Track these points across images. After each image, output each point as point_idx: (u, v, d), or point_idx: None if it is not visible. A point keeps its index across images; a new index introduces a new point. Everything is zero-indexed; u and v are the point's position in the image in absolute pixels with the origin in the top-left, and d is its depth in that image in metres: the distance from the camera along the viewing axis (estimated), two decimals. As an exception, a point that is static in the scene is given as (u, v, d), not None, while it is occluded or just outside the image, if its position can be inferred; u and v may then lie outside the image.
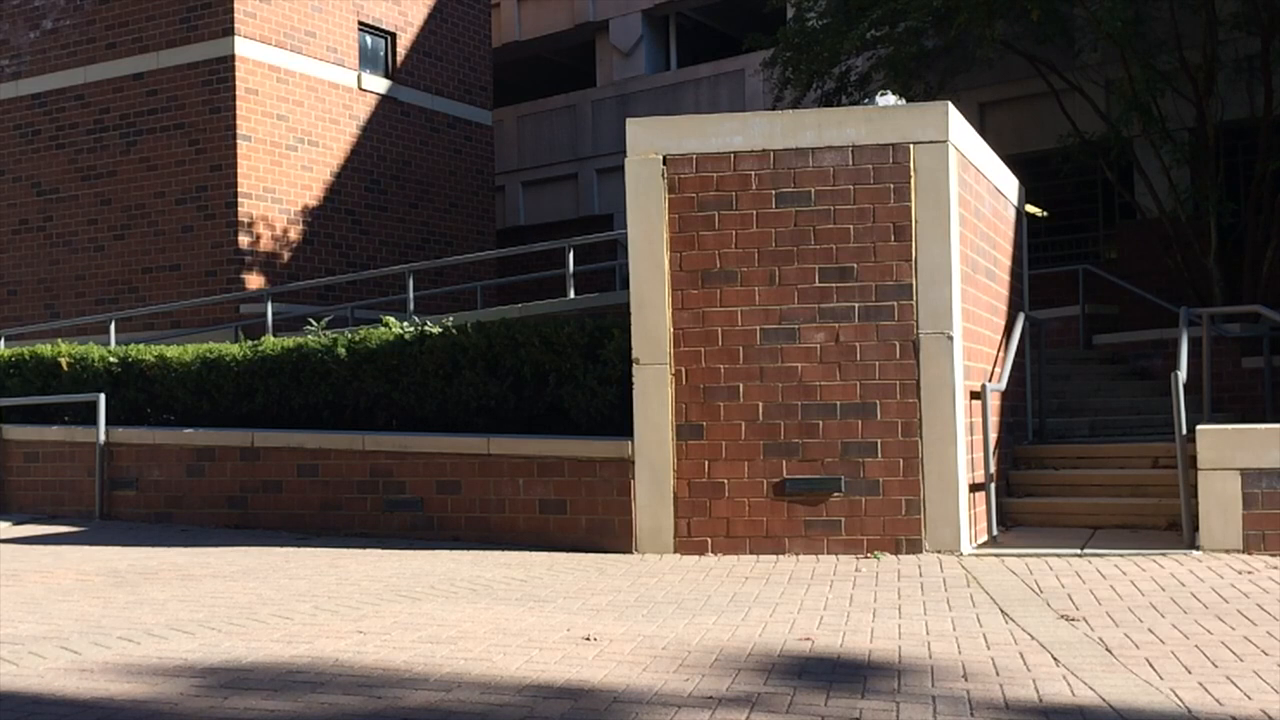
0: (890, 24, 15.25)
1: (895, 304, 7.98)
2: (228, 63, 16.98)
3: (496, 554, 8.34)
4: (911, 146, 8.03)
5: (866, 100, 15.58)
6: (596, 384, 8.79)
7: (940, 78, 16.18)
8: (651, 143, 8.31)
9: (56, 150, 18.33)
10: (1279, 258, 14.20)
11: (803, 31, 15.98)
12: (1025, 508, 9.20)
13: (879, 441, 7.94)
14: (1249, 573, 6.90)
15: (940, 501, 7.88)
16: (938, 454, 7.90)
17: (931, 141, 8.02)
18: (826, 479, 7.98)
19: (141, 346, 11.49)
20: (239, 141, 16.94)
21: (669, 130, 8.37)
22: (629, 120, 8.49)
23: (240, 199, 16.92)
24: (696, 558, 7.98)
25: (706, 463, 8.13)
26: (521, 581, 7.16)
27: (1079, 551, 7.78)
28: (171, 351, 11.08)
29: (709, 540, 8.12)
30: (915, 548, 7.86)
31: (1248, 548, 7.58)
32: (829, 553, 7.93)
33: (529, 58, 25.92)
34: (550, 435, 8.93)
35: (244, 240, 16.97)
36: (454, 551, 8.50)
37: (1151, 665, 4.77)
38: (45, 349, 11.90)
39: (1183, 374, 8.30)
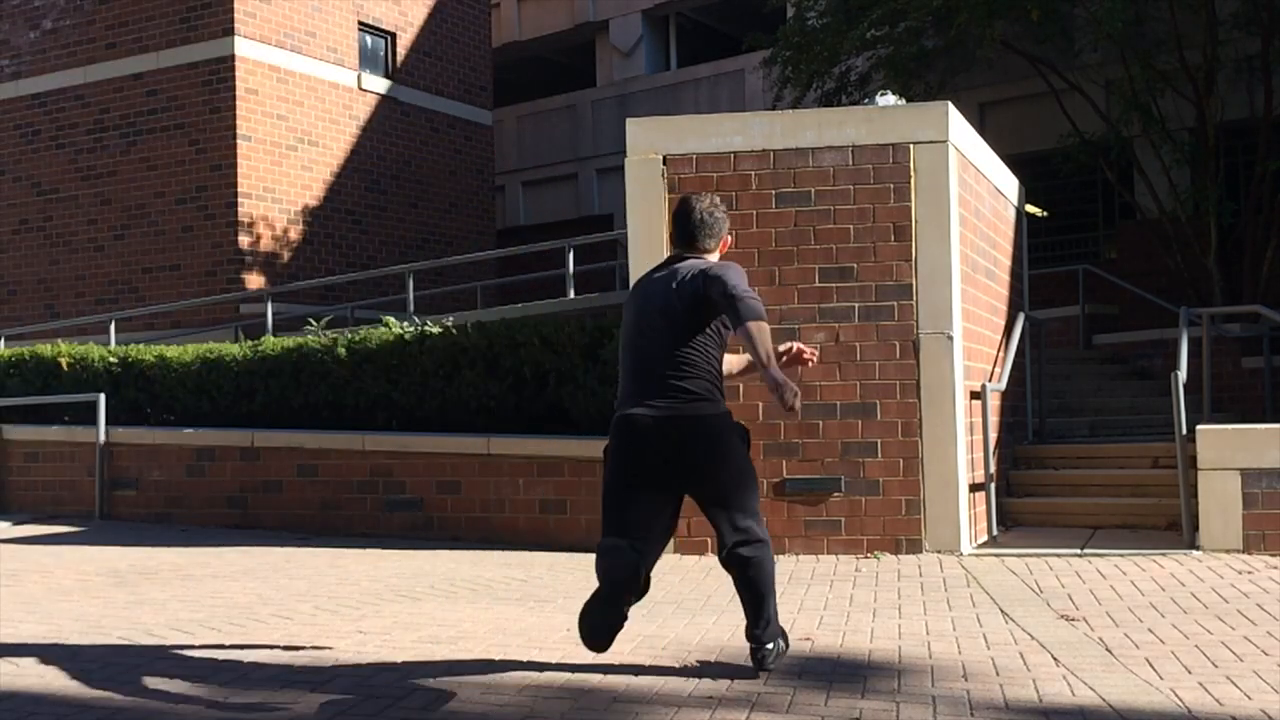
0: (890, 24, 15.25)
1: (895, 304, 7.98)
2: (228, 63, 16.98)
3: (497, 554, 8.34)
4: (911, 146, 8.02)
5: (866, 100, 15.56)
6: (597, 384, 8.79)
7: (940, 78, 16.17)
8: (651, 143, 8.31)
9: (56, 150, 18.33)
10: (1279, 258, 14.20)
11: (803, 31, 15.98)
12: (1025, 508, 9.20)
13: (879, 441, 7.94)
14: (1249, 573, 6.90)
15: (940, 501, 7.88)
16: (938, 454, 7.89)
17: (931, 141, 8.02)
18: (826, 479, 7.98)
19: (141, 346, 11.50)
20: (239, 141, 16.94)
21: (669, 130, 8.36)
22: (629, 120, 8.49)
23: (240, 199, 16.92)
24: (697, 558, 7.98)
25: (706, 463, 8.12)
26: (522, 581, 7.16)
27: (1079, 551, 7.78)
28: (171, 351, 11.08)
29: (709, 540, 8.11)
30: (915, 548, 7.86)
31: (1248, 548, 7.58)
32: (829, 553, 7.93)
33: (529, 58, 25.92)
34: (550, 435, 8.93)
35: (244, 240, 16.98)
36: (454, 551, 8.50)
37: (1151, 665, 4.77)
38: (45, 349, 11.90)
39: (1183, 374, 8.30)
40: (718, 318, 4.58)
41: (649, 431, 4.55)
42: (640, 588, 4.60)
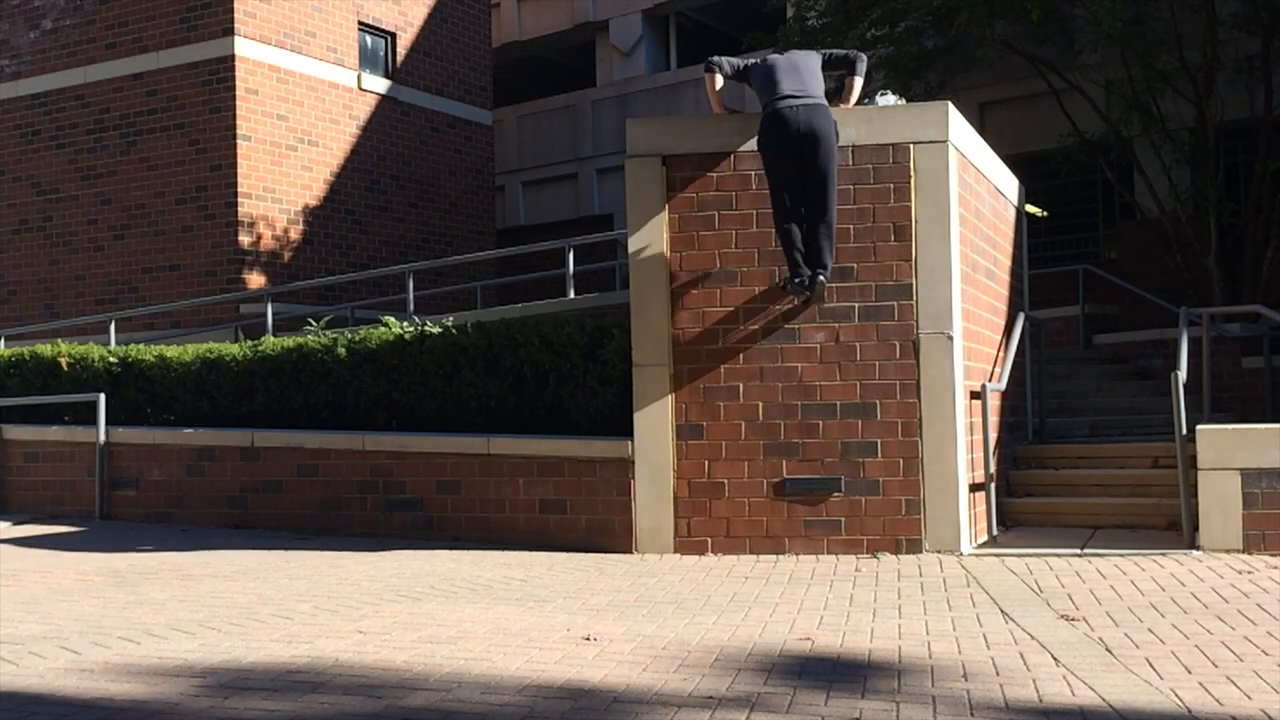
0: (890, 24, 15.27)
1: (895, 304, 7.98)
2: (228, 63, 16.98)
3: (496, 554, 8.34)
4: (911, 146, 8.02)
5: (866, 100, 15.55)
6: (596, 384, 8.79)
7: (940, 78, 16.18)
8: (651, 143, 8.31)
9: (56, 150, 18.34)
10: (1279, 258, 14.20)
11: (802, 31, 15.99)
12: (1025, 508, 9.20)
13: (879, 441, 7.94)
14: (1249, 573, 6.90)
15: (940, 501, 7.88)
16: (938, 454, 7.89)
17: (931, 141, 8.02)
18: (826, 479, 7.98)
19: (141, 346, 11.49)
20: (239, 141, 16.95)
21: (669, 130, 8.36)
22: (629, 120, 8.48)
23: (240, 199, 16.93)
24: (696, 558, 7.98)
25: (706, 463, 8.13)
26: (521, 581, 7.16)
27: (1079, 551, 7.78)
28: (171, 351, 11.08)
29: (709, 540, 8.12)
30: (915, 548, 7.86)
31: (1248, 548, 7.58)
32: (829, 553, 7.93)
33: (529, 58, 25.92)
34: (550, 435, 8.93)
35: (244, 240, 16.98)
36: (454, 551, 8.50)
37: (1151, 665, 4.77)
38: (45, 349, 11.89)
39: (1183, 374, 8.30)
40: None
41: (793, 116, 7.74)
42: None
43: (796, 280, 7.73)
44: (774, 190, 7.79)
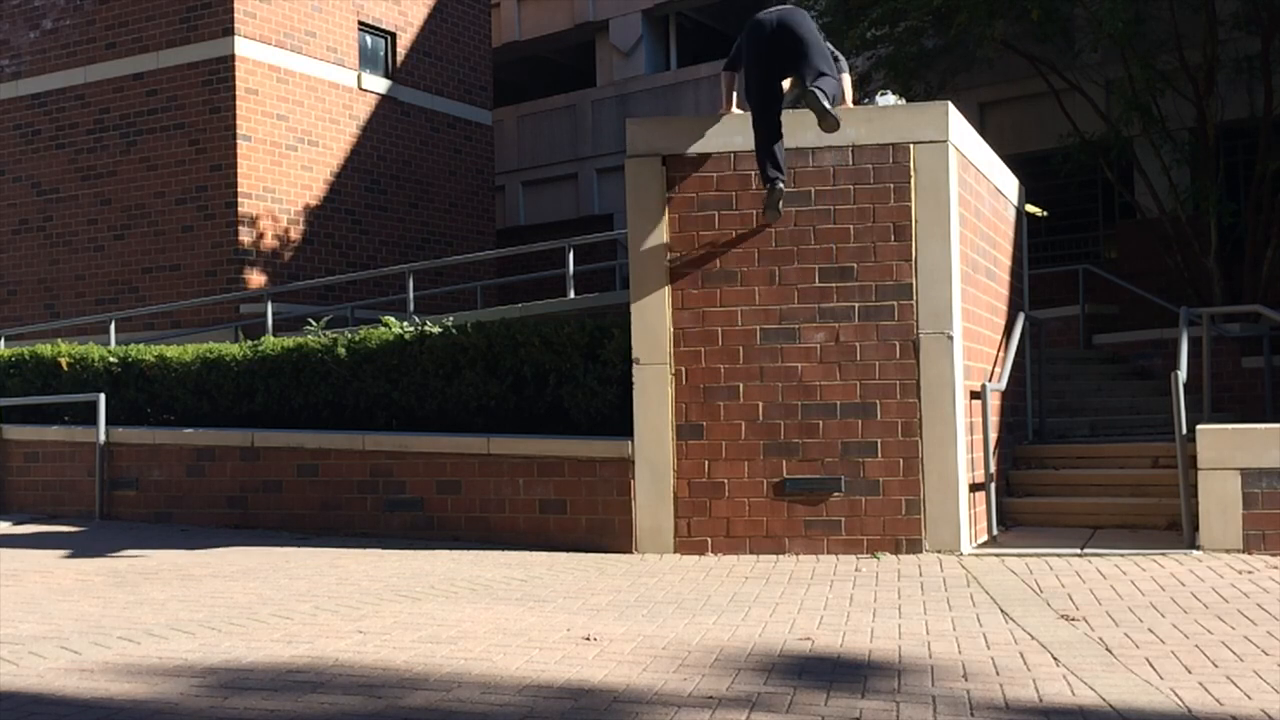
0: (890, 24, 15.27)
1: (895, 304, 7.98)
2: (228, 63, 16.98)
3: (496, 554, 8.34)
4: (911, 146, 8.02)
5: (866, 100, 15.55)
6: (596, 384, 8.79)
7: (940, 78, 16.18)
8: (651, 143, 8.31)
9: (56, 150, 18.33)
10: (1279, 257, 14.20)
11: (802, 31, 15.97)
12: (1025, 507, 9.20)
13: (879, 441, 7.94)
14: (1249, 573, 6.90)
15: (940, 501, 7.88)
16: (938, 454, 7.89)
17: (931, 141, 8.02)
18: (826, 479, 7.98)
19: (141, 346, 11.49)
20: (239, 141, 16.94)
21: (668, 130, 8.36)
22: (628, 120, 8.49)
23: (240, 199, 16.92)
24: (696, 557, 7.98)
25: (706, 463, 8.13)
26: (521, 581, 7.16)
27: (1079, 551, 7.78)
28: (171, 351, 11.08)
29: (709, 540, 8.12)
30: (915, 547, 7.86)
31: (1248, 548, 7.58)
32: (829, 552, 7.93)
33: (529, 58, 25.91)
34: (550, 435, 8.93)
35: (244, 240, 16.97)
36: (454, 551, 8.50)
37: (1151, 665, 4.77)
38: (45, 349, 11.90)
39: (1183, 374, 8.30)
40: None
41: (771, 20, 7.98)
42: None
43: (772, 180, 7.81)
44: (755, 104, 7.92)
